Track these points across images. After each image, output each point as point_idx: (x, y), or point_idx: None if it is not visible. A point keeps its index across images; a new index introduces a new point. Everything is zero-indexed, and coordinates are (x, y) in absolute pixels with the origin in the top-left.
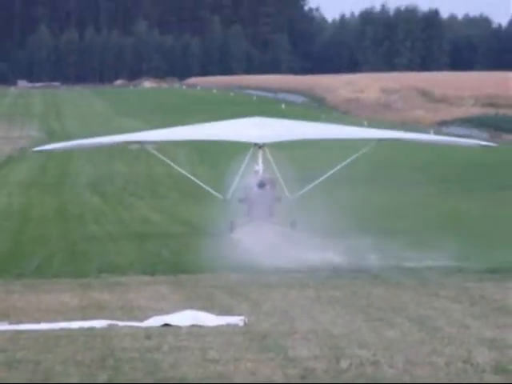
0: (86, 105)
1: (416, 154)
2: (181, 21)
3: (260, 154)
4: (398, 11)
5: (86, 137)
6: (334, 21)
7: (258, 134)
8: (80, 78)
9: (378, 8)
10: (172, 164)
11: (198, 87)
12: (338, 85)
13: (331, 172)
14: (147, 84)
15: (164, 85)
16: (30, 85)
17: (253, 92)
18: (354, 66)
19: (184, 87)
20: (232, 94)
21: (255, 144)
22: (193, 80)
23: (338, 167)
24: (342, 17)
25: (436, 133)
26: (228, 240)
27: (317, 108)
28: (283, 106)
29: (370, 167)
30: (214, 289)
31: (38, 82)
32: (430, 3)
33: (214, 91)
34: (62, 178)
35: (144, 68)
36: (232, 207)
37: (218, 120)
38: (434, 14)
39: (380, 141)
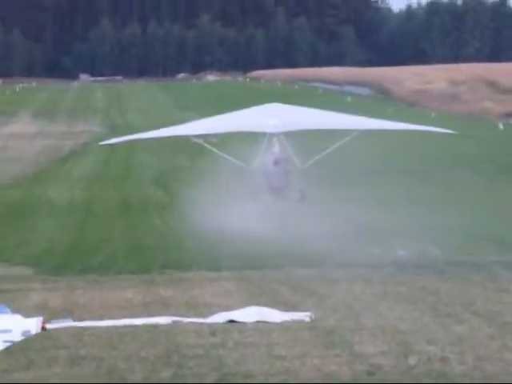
0: (148, 99)
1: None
2: (244, 13)
3: (275, 138)
4: (465, 1)
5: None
6: (400, 11)
7: (272, 124)
8: (142, 72)
9: None
10: (215, 150)
11: (262, 80)
12: (405, 76)
13: (329, 149)
14: (210, 77)
15: (227, 78)
16: (92, 79)
17: (318, 85)
18: (420, 57)
19: (248, 80)
20: (297, 86)
21: (271, 133)
22: (257, 73)
23: (334, 147)
24: (409, 7)
25: (505, 124)
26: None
27: (383, 100)
28: (349, 98)
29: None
30: (279, 284)
31: (100, 75)
32: None
33: (279, 84)
34: (125, 172)
35: (207, 61)
36: (256, 176)
37: None
38: (502, 3)
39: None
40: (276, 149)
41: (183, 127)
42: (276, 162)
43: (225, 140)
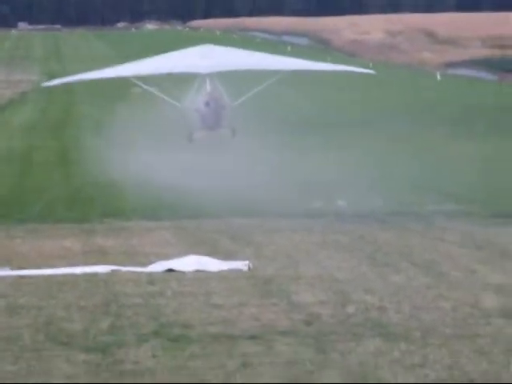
0: (87, 48)
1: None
2: None
3: (207, 79)
4: None
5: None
6: None
7: (204, 65)
8: (81, 21)
9: None
10: (150, 89)
11: (201, 29)
12: (343, 26)
13: (257, 88)
14: (149, 26)
15: (166, 27)
16: (30, 27)
17: (257, 34)
18: (358, 7)
19: (187, 29)
20: (235, 36)
21: (203, 74)
22: (196, 22)
23: (265, 84)
24: None
25: (442, 75)
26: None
27: (322, 50)
28: (289, 48)
29: None
30: (218, 234)
31: (38, 24)
32: None
33: (218, 33)
34: (63, 122)
35: (146, 10)
36: (187, 114)
37: None
38: None
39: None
40: (208, 88)
41: (121, 68)
42: (207, 103)
43: (161, 81)
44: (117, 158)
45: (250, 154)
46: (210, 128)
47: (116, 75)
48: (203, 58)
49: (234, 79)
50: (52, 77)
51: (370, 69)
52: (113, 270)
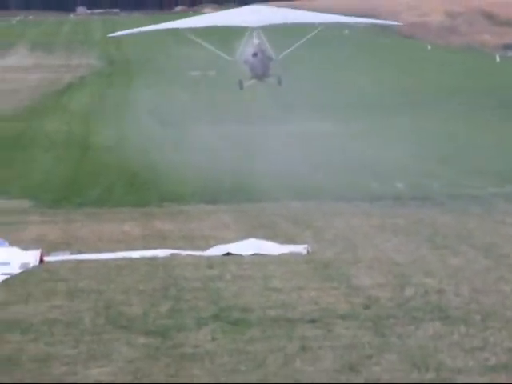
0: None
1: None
2: None
3: (254, 33)
4: None
5: (145, 63)
6: None
7: (252, 19)
8: (139, 5)
9: None
10: (202, 42)
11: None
12: (401, 8)
13: (299, 42)
14: (207, 10)
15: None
16: (89, 11)
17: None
18: None
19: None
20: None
21: (251, 27)
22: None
23: (305, 38)
24: None
25: (501, 57)
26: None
27: (380, 32)
28: (346, 31)
29: None
30: (277, 217)
31: (97, 8)
32: None
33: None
34: (122, 106)
35: None
36: (238, 66)
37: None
38: None
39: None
40: (255, 41)
41: (178, 22)
42: (255, 54)
43: (211, 34)
44: (175, 142)
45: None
46: (258, 77)
47: (174, 27)
48: (251, 14)
49: (278, 34)
50: (111, 61)
51: (428, 51)
52: (172, 254)
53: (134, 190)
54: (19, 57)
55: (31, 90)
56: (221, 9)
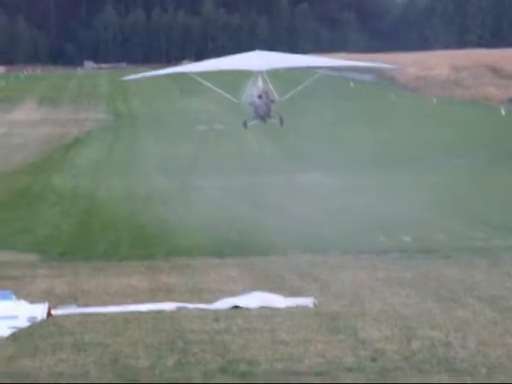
0: (152, 85)
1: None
2: (247, 0)
3: (259, 76)
4: None
5: (153, 117)
6: None
7: (256, 64)
8: (146, 59)
9: None
10: (209, 85)
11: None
12: (408, 63)
13: (301, 86)
14: None
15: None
16: (96, 66)
17: (321, 70)
18: (423, 44)
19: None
20: (299, 71)
21: (256, 71)
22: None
23: (307, 82)
24: None
25: (507, 110)
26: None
27: (386, 86)
28: (352, 84)
29: None
30: (284, 270)
31: (104, 62)
32: None
33: (281, 70)
34: (129, 160)
35: (210, 47)
36: (243, 107)
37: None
38: None
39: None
40: (260, 84)
41: (187, 66)
42: (260, 96)
43: (217, 77)
44: (182, 196)
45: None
46: (261, 118)
47: (183, 71)
48: (256, 58)
49: (282, 78)
50: (118, 115)
51: (434, 105)
52: (178, 308)
53: (141, 244)
54: (27, 111)
55: (39, 145)
56: None
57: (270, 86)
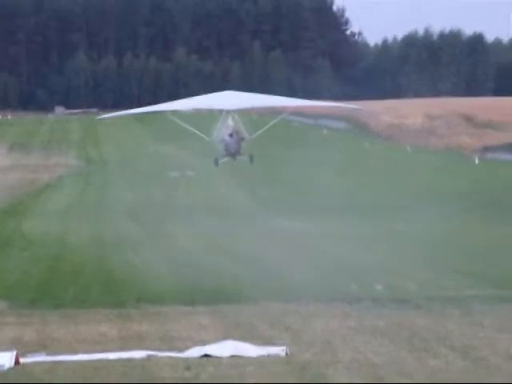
0: (123, 131)
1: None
2: (220, 46)
3: (229, 115)
4: (441, 35)
5: (124, 163)
6: (376, 45)
7: (227, 103)
8: (117, 104)
9: (421, 32)
10: (186, 126)
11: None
12: (381, 111)
13: (268, 125)
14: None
15: (203, 110)
16: (67, 111)
17: (294, 118)
18: (396, 91)
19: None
20: (270, 117)
21: (226, 110)
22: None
23: (271, 123)
24: (385, 41)
25: (480, 159)
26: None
27: (359, 134)
28: (325, 131)
29: None
30: (255, 319)
31: (75, 108)
32: (475, 27)
33: (254, 117)
34: (99, 206)
35: (183, 94)
36: (214, 146)
37: (257, 147)
38: (478, 38)
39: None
40: (230, 123)
41: (161, 105)
42: (231, 134)
43: (191, 118)
44: (151, 241)
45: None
46: (232, 155)
47: (158, 110)
48: (226, 98)
49: (250, 117)
50: (89, 161)
51: (408, 153)
52: (149, 355)
53: (111, 291)
54: None
55: (9, 190)
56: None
57: (240, 125)
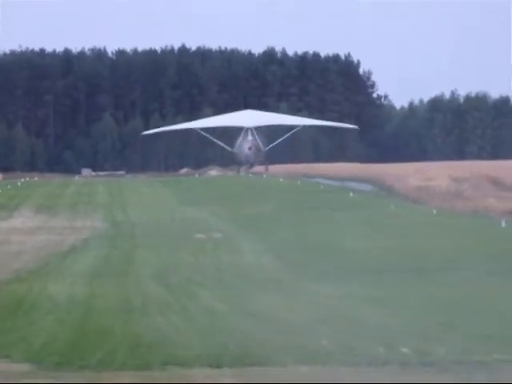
0: (150, 194)
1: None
2: (247, 108)
3: (249, 131)
4: (468, 98)
5: (151, 225)
6: (402, 108)
7: (247, 121)
8: (144, 167)
9: (447, 95)
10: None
11: (264, 175)
12: (407, 173)
13: (281, 138)
14: (213, 172)
15: (229, 173)
16: (94, 173)
17: (320, 180)
18: (423, 155)
19: (250, 175)
20: (299, 182)
21: (247, 127)
22: (259, 168)
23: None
24: (411, 104)
25: (507, 222)
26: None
27: (385, 196)
28: (351, 194)
29: None
30: (283, 382)
31: (102, 170)
32: (501, 90)
33: (281, 180)
34: (125, 268)
35: (210, 156)
36: (236, 156)
37: (284, 208)
38: (505, 101)
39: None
40: (249, 137)
41: (190, 123)
42: (250, 148)
43: (217, 132)
44: (179, 305)
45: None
46: (250, 164)
47: (187, 127)
48: (247, 116)
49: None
50: (115, 223)
51: (434, 216)
52: None
53: (137, 354)
54: (24, 219)
55: (35, 252)
56: (225, 171)
57: (258, 139)
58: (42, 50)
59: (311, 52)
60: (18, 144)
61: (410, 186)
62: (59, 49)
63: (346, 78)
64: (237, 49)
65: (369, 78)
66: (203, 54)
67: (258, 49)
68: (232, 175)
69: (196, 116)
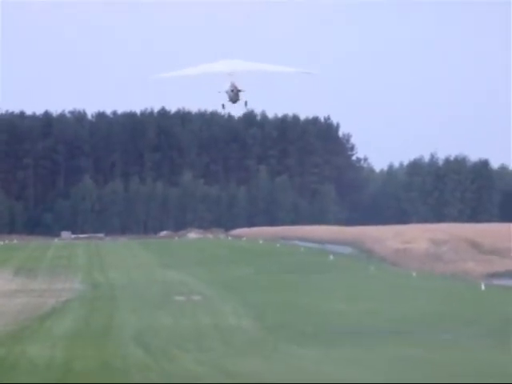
0: (130, 256)
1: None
2: (227, 171)
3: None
4: (447, 161)
5: (129, 288)
6: (381, 171)
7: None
8: (124, 229)
9: (426, 158)
10: None
11: (244, 238)
12: (387, 236)
13: None
14: (192, 235)
15: (209, 235)
16: (73, 236)
17: (300, 243)
18: (402, 217)
19: (229, 238)
20: (278, 245)
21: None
22: (238, 231)
23: None
24: (390, 167)
25: (486, 285)
26: None
27: (365, 259)
28: (331, 256)
29: None
30: None
31: (81, 233)
32: (480, 153)
33: (260, 242)
34: (105, 331)
35: (189, 219)
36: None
37: (264, 271)
38: (483, 164)
39: None
40: (232, 81)
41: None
42: (232, 90)
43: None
44: (159, 368)
45: None
46: (233, 101)
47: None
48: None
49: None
50: (94, 285)
51: (413, 278)
52: None
53: None
54: (3, 281)
55: (15, 315)
56: (204, 233)
57: (238, 86)
58: (22, 113)
59: (291, 114)
60: None
61: (390, 249)
62: (39, 111)
63: (326, 141)
64: (216, 111)
65: (348, 141)
66: (183, 117)
67: (237, 111)
68: (211, 238)
69: (175, 181)
